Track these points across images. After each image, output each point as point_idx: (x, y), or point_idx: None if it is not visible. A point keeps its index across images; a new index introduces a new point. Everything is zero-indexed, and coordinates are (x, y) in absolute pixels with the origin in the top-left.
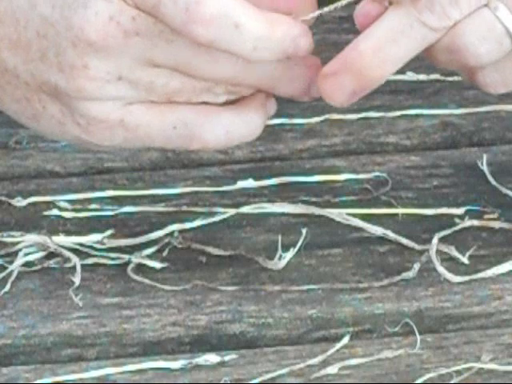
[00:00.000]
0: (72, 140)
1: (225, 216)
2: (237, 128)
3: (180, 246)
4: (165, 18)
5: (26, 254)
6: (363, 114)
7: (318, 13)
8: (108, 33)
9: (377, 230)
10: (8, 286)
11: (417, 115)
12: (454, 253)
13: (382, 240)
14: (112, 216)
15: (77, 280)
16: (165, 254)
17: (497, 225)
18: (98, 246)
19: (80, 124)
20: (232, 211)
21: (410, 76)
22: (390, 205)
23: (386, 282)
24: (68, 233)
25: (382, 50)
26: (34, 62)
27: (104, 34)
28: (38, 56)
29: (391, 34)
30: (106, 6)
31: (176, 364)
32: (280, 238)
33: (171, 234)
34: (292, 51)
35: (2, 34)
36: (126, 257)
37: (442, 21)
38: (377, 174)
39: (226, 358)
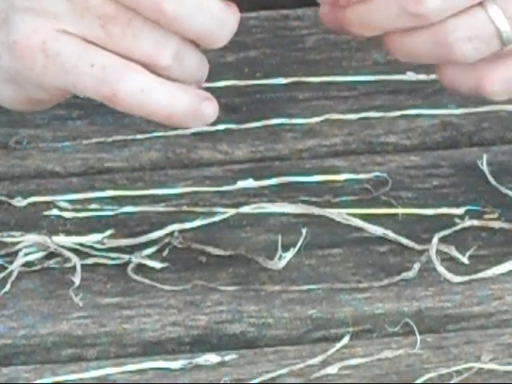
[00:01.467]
0: (6, 76)
1: (225, 216)
2: (154, 94)
3: (180, 246)
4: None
5: (26, 254)
6: (363, 114)
7: None
8: None
9: (377, 230)
10: (8, 286)
11: (417, 115)
12: (454, 253)
13: (382, 240)
14: (112, 216)
15: (77, 280)
16: (165, 254)
17: (497, 225)
18: (98, 245)
19: (10, 45)
20: (232, 211)
21: (410, 76)
22: (390, 205)
23: (385, 281)
24: (68, 233)
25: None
26: None
27: None
28: None
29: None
30: None
31: (176, 364)
32: (280, 237)
33: (171, 234)
34: None
35: None
36: (126, 257)
37: (417, 8)
38: (377, 173)
39: (226, 358)
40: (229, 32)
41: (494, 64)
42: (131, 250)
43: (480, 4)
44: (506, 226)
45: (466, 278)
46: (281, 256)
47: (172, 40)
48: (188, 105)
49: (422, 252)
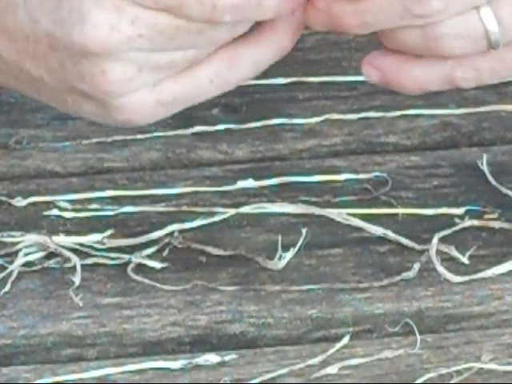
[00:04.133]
0: (117, 124)
1: (225, 216)
2: (261, 55)
3: (180, 246)
4: (189, 17)
5: (26, 254)
6: (363, 114)
7: None
8: (111, 42)
9: (377, 230)
10: (8, 286)
11: (417, 115)
12: (454, 253)
13: (382, 240)
14: (112, 216)
15: (77, 280)
16: (165, 254)
17: (497, 225)
18: (98, 245)
19: (118, 119)
20: (232, 211)
21: None
22: (390, 205)
23: (385, 281)
24: (68, 233)
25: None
26: (57, 72)
27: (108, 44)
28: (58, 66)
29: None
30: (103, 17)
31: (176, 364)
32: (280, 237)
33: (171, 234)
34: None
35: (20, 48)
36: (126, 257)
37: (424, 9)
38: (377, 174)
39: (226, 358)
40: None
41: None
42: (131, 250)
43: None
44: (506, 225)
45: (466, 278)
46: (281, 256)
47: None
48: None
49: (422, 252)
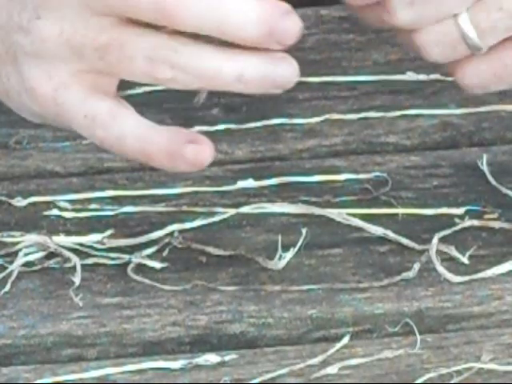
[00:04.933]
0: (31, 115)
1: (225, 216)
2: (130, 141)
3: (180, 246)
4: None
5: (26, 254)
6: (363, 114)
7: None
8: None
9: (377, 230)
10: (8, 286)
11: (417, 115)
12: (454, 253)
13: (382, 240)
14: (112, 216)
15: (77, 280)
16: (165, 254)
17: (497, 225)
18: (98, 245)
19: (27, 90)
20: (232, 211)
21: (410, 76)
22: (390, 205)
23: (385, 281)
24: (68, 233)
25: None
26: (4, 28)
27: None
28: (6, 19)
29: None
30: None
31: (176, 364)
32: (280, 237)
33: (171, 234)
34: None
35: None
36: (126, 257)
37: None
38: (377, 173)
39: (226, 358)
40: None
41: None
42: (131, 250)
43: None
44: (506, 225)
45: (466, 277)
46: (281, 256)
47: (166, 51)
48: (164, 148)
49: (422, 252)
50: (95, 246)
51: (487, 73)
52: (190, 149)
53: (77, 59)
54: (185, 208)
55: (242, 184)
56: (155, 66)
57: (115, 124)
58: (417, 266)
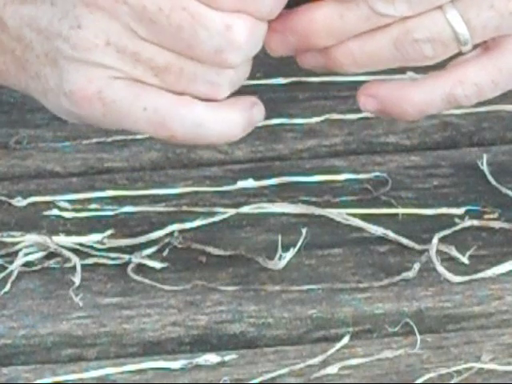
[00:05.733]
0: (68, 115)
1: (225, 216)
2: (211, 125)
3: (180, 246)
4: None
5: (26, 254)
6: (363, 114)
7: None
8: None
9: (377, 230)
10: (8, 286)
11: None
12: (454, 253)
13: (382, 240)
14: (112, 216)
15: (77, 280)
16: (165, 254)
17: (497, 225)
18: (98, 246)
19: (66, 93)
20: (232, 211)
21: (410, 76)
22: (390, 205)
23: (385, 281)
24: (68, 233)
25: (330, 21)
26: (43, 32)
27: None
28: (46, 24)
29: (339, 9)
30: None
31: (176, 364)
32: (280, 237)
33: (171, 233)
34: None
35: (24, 12)
36: (126, 257)
37: (387, 8)
38: (377, 173)
39: (226, 358)
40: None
41: (464, 68)
42: (131, 250)
43: (439, 7)
44: (506, 225)
45: (466, 278)
46: (281, 256)
47: (227, 74)
48: (242, 121)
49: (422, 252)
50: (95, 245)
51: (485, 80)
52: (256, 110)
53: (124, 68)
54: (185, 208)
55: (241, 184)
56: (216, 88)
57: (189, 111)
58: (417, 266)
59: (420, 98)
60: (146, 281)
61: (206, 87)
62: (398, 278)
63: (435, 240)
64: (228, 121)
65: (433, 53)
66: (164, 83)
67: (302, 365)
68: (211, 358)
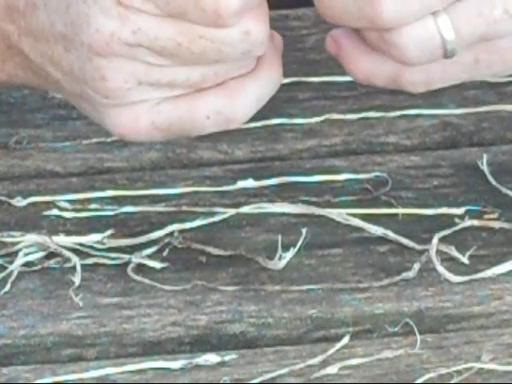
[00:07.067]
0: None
1: (225, 216)
2: (263, 91)
3: (180, 246)
4: (195, 23)
5: (26, 254)
6: (363, 114)
7: None
8: (112, 47)
9: (377, 230)
10: (8, 286)
11: (417, 115)
12: (454, 253)
13: (382, 240)
14: (112, 216)
15: (77, 280)
16: (165, 254)
17: (497, 225)
18: (98, 246)
19: (117, 135)
20: (232, 211)
21: None
22: (390, 205)
23: (385, 281)
24: (68, 233)
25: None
26: (68, 76)
27: (109, 49)
28: (69, 70)
29: None
30: (106, 23)
31: (176, 364)
32: (280, 238)
33: (171, 233)
34: None
35: (42, 51)
36: (126, 257)
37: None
38: (377, 173)
39: (226, 358)
40: None
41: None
42: (131, 250)
43: (432, 13)
44: (506, 225)
45: (466, 278)
46: (281, 256)
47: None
48: (278, 66)
49: (422, 252)
50: (95, 245)
51: (436, 69)
52: (276, 41)
53: (167, 95)
54: (185, 208)
55: (241, 184)
56: (247, 66)
57: (243, 97)
58: (417, 266)
59: (367, 65)
60: (146, 281)
61: (240, 70)
62: (397, 278)
63: (435, 240)
64: (271, 78)
65: (417, 59)
66: (204, 87)
67: (301, 365)
68: (211, 357)
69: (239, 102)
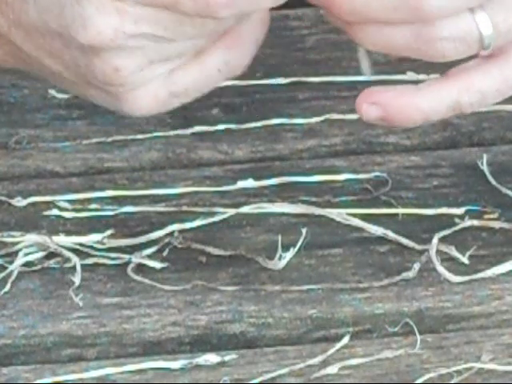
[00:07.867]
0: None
1: (225, 216)
2: (257, 33)
3: (180, 246)
4: (186, 14)
5: (26, 254)
6: None
7: None
8: (118, 42)
9: (377, 230)
10: (8, 286)
11: None
12: (454, 253)
13: (382, 240)
14: (112, 216)
15: (77, 280)
16: (165, 254)
17: (497, 225)
18: (98, 246)
19: (134, 112)
20: (232, 211)
21: (410, 76)
22: (390, 205)
23: (385, 281)
24: (68, 233)
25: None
26: (73, 69)
27: (114, 44)
28: (73, 64)
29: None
30: (106, 21)
31: (176, 364)
32: (280, 238)
33: (171, 233)
34: None
35: (38, 44)
36: (126, 257)
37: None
38: (377, 173)
39: (226, 358)
40: None
41: (470, 75)
42: (131, 250)
43: (470, 9)
44: (506, 225)
45: (466, 278)
46: (281, 256)
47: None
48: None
49: (422, 252)
50: (95, 245)
51: (490, 89)
52: None
53: (179, 61)
54: (185, 208)
55: (241, 184)
56: None
57: (244, 44)
58: (417, 266)
59: (427, 105)
60: (146, 281)
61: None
62: (397, 277)
63: (435, 240)
64: (260, 18)
65: (454, 52)
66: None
67: (301, 365)
68: (211, 358)
69: (241, 49)
